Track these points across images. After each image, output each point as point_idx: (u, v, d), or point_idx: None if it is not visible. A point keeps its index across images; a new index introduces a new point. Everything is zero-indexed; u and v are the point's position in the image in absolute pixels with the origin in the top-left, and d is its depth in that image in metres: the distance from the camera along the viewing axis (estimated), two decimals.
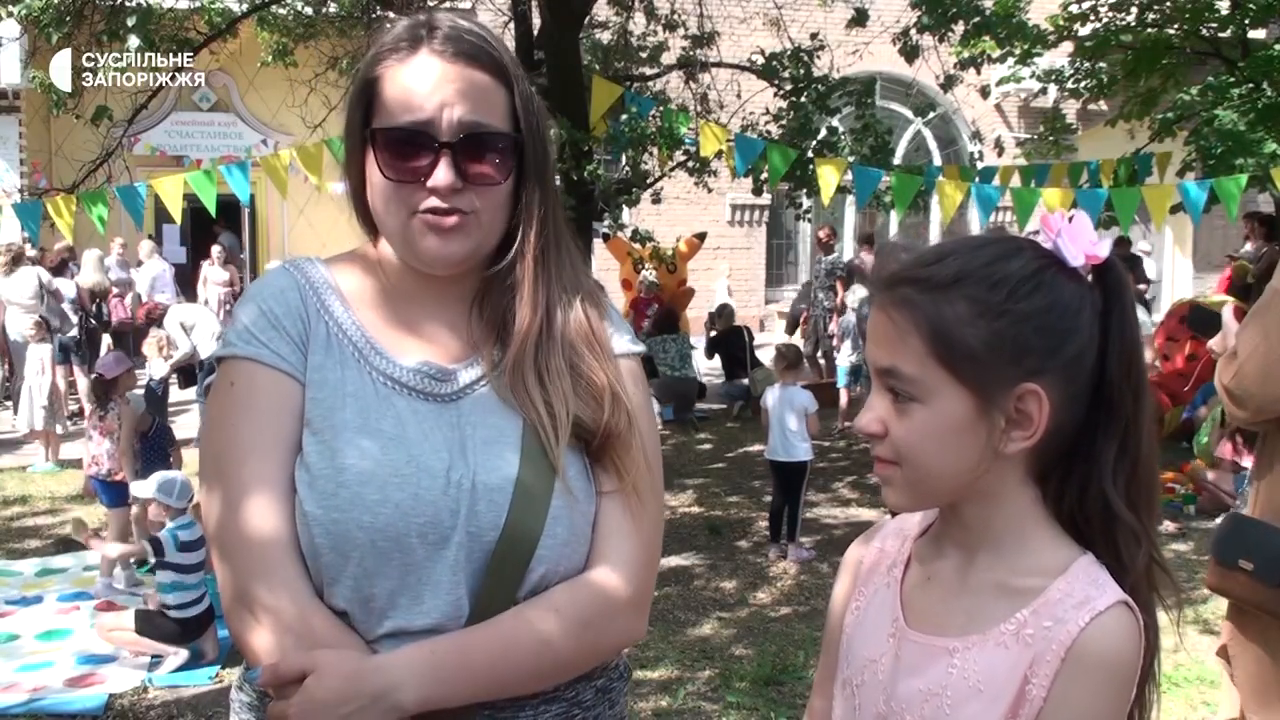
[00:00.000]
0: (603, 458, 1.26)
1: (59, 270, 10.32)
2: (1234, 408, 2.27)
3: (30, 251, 10.17)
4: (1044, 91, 12.02)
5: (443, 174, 1.19)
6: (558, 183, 7.48)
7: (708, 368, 10.96)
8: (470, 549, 1.18)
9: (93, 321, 10.71)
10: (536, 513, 1.19)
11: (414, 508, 1.17)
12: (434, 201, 1.20)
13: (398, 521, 1.16)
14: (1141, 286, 9.72)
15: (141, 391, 8.80)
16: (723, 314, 11.06)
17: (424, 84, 1.20)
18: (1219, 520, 2.59)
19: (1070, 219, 1.06)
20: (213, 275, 12.48)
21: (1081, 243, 1.05)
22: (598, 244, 10.11)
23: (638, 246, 9.09)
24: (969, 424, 1.04)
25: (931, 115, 11.34)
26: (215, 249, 12.72)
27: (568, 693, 1.25)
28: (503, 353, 1.27)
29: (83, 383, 9.89)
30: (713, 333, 11.09)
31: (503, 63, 1.24)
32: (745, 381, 10.16)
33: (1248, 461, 6.15)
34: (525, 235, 1.26)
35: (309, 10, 8.59)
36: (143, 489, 4.85)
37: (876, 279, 1.09)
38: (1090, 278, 1.07)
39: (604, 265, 12.72)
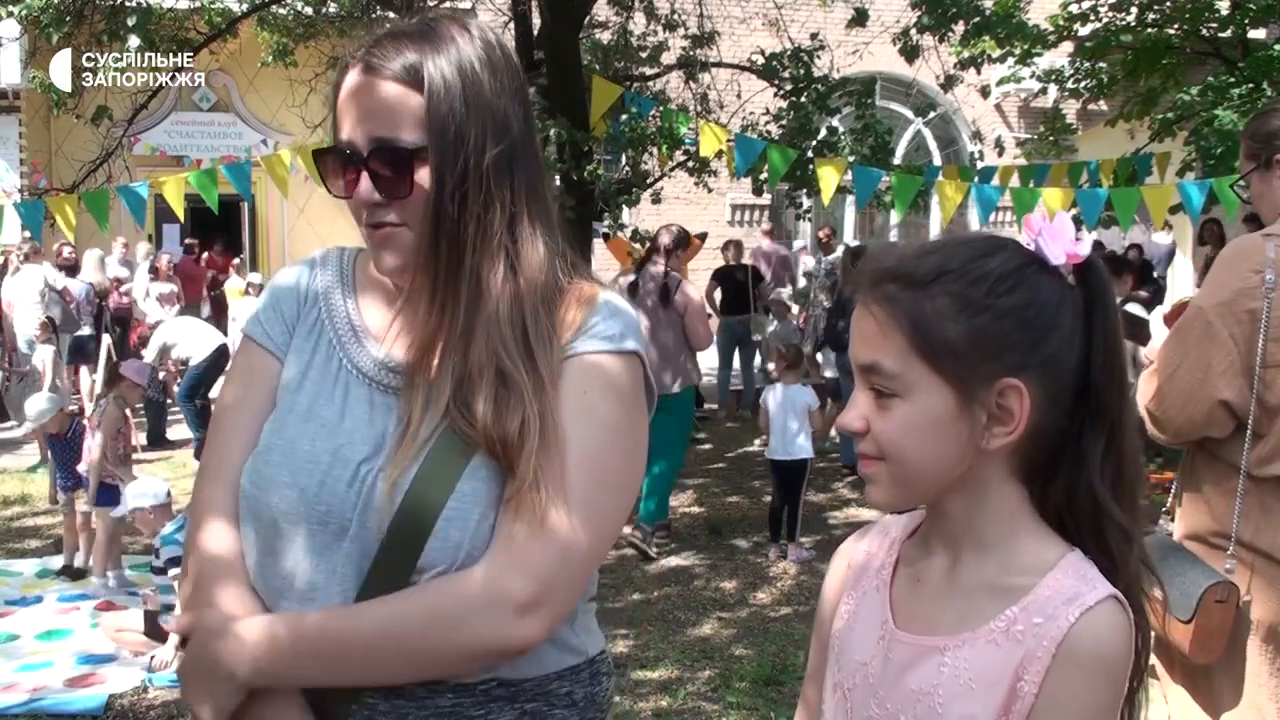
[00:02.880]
0: (520, 463, 1.18)
1: (72, 270, 10.33)
2: (1154, 429, 2.22)
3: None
4: (1044, 91, 12.02)
5: (362, 189, 1.23)
6: (556, 182, 7.43)
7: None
8: (364, 543, 1.19)
9: (113, 323, 10.70)
10: (426, 514, 1.17)
11: (317, 496, 1.20)
12: (366, 216, 1.26)
13: (300, 506, 1.20)
14: (1144, 293, 9.69)
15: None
16: (728, 247, 10.79)
17: (346, 102, 1.25)
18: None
19: (1052, 219, 1.07)
20: (155, 289, 10.62)
21: (1062, 242, 1.06)
22: (598, 244, 10.09)
23: (637, 246, 9.09)
24: (950, 419, 1.05)
25: (931, 115, 11.34)
26: (164, 259, 10.96)
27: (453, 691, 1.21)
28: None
29: (86, 383, 9.91)
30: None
31: (415, 67, 1.21)
32: (744, 320, 10.04)
33: None
34: (422, 237, 1.22)
35: (309, 10, 8.60)
36: (126, 504, 4.75)
37: (863, 278, 1.10)
38: (1073, 278, 1.08)
39: (604, 265, 12.71)
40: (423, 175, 1.22)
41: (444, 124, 1.21)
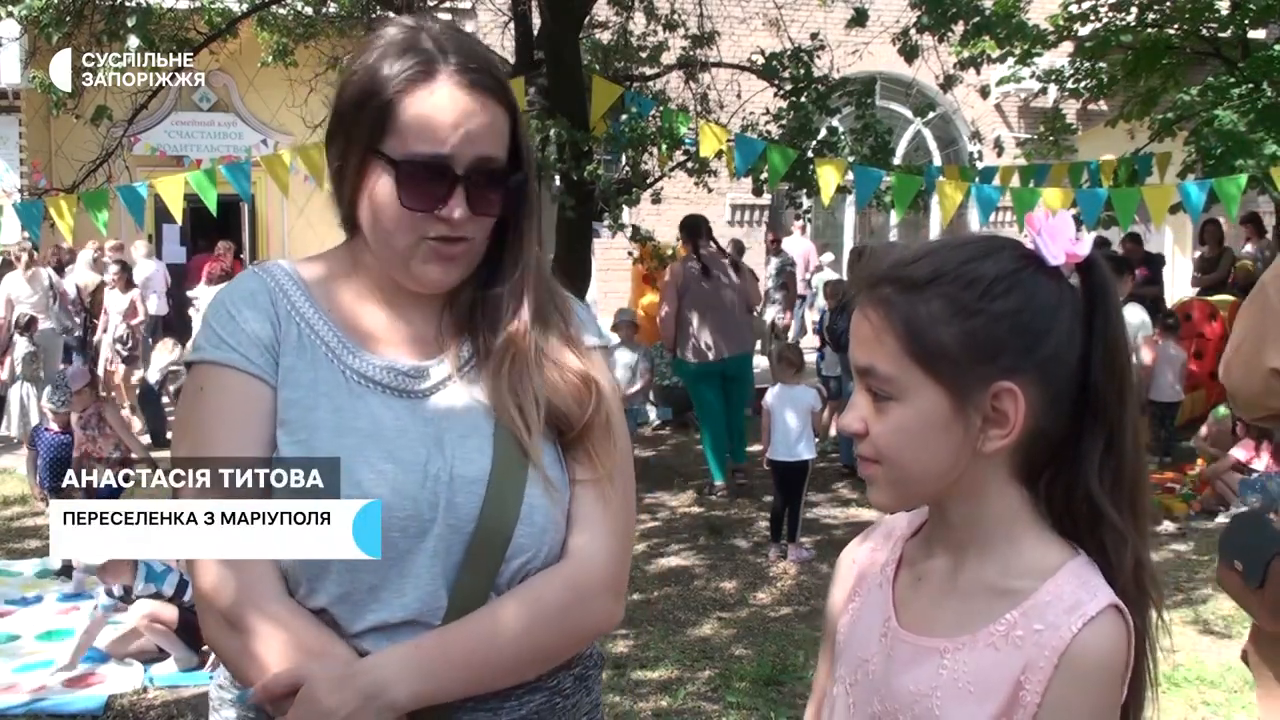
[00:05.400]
0: (577, 447, 1.29)
1: (59, 270, 10.32)
2: (1233, 404, 2.27)
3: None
4: (1044, 91, 12.01)
5: (458, 207, 1.22)
6: (556, 182, 7.45)
7: None
8: (450, 541, 1.21)
9: (95, 321, 10.69)
10: (512, 503, 1.22)
11: (393, 502, 1.19)
12: (445, 230, 1.24)
13: None
14: (1142, 273, 9.66)
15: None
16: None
17: (447, 115, 1.21)
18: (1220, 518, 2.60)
19: (1053, 216, 1.06)
20: (112, 303, 9.88)
21: (1061, 241, 1.05)
22: (598, 244, 10.08)
23: (637, 247, 9.09)
24: (945, 422, 1.05)
25: (931, 115, 11.33)
26: (112, 269, 10.09)
27: (549, 681, 1.27)
28: (471, 349, 1.30)
29: None
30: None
31: (509, 92, 1.27)
32: None
33: (1259, 464, 6.15)
34: (518, 256, 1.31)
35: (309, 10, 8.59)
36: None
37: (859, 280, 1.11)
38: (1074, 278, 1.07)
39: (603, 265, 12.71)
40: (510, 197, 1.28)
41: (527, 142, 1.29)
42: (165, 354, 8.84)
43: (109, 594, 4.55)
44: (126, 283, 9.85)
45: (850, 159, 7.53)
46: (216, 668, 1.31)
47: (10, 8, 6.93)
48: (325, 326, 1.28)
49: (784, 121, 8.32)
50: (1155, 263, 11.02)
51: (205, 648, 4.48)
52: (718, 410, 7.20)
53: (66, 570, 5.77)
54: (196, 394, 1.26)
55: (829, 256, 14.36)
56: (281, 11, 8.63)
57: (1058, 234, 1.05)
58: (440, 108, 1.21)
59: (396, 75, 1.22)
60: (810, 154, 7.62)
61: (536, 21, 7.48)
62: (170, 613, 4.55)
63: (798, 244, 14.17)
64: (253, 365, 1.24)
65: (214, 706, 1.31)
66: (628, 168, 8.40)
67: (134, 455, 5.60)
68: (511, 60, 7.82)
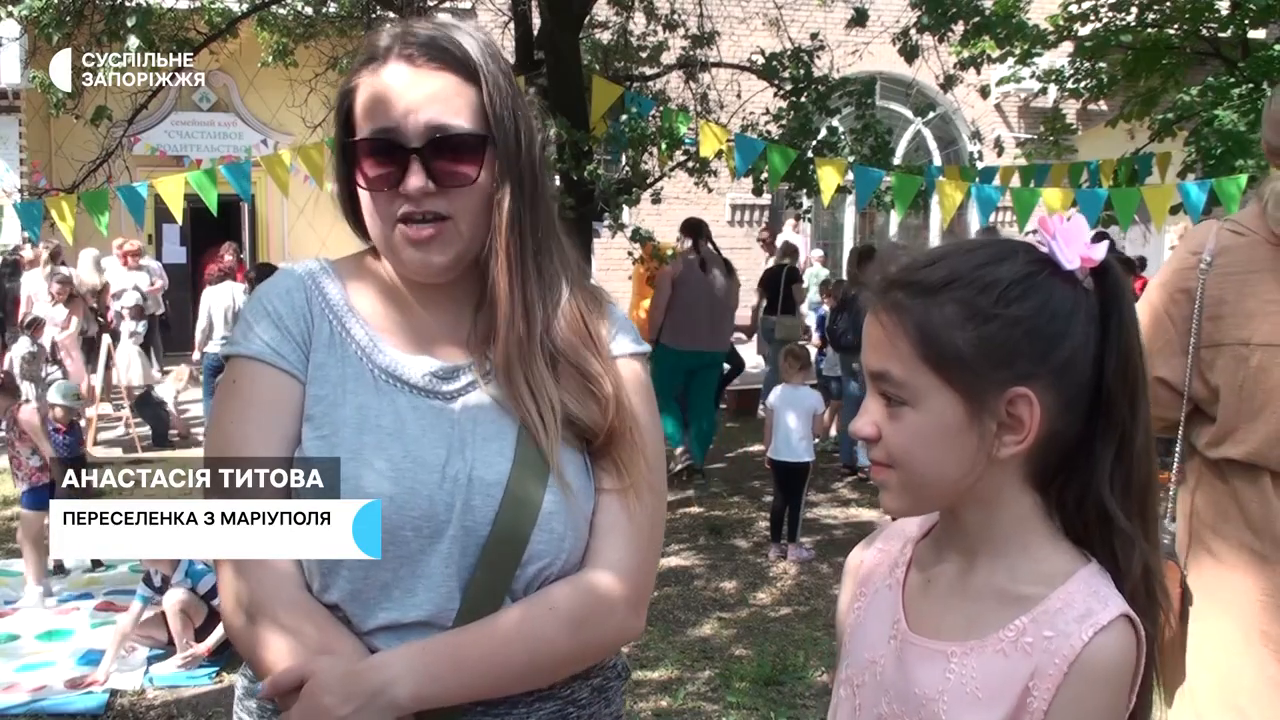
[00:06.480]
0: (604, 457, 1.27)
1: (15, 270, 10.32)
2: None
3: (28, 252, 10.18)
4: (1044, 91, 12.02)
5: (413, 179, 1.20)
6: (556, 182, 7.43)
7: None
8: (465, 543, 1.19)
9: (100, 321, 10.68)
10: (529, 508, 1.21)
11: (409, 501, 1.18)
12: (408, 208, 1.21)
13: (392, 515, 1.18)
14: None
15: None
16: (784, 248, 10.75)
17: (390, 91, 1.21)
18: None
19: (1068, 220, 1.05)
20: (53, 316, 9.44)
21: (1076, 246, 1.04)
22: (598, 244, 10.07)
23: (637, 246, 9.08)
24: (960, 428, 1.04)
25: (931, 115, 11.36)
26: (55, 282, 9.53)
27: (563, 691, 1.26)
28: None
29: (84, 381, 9.91)
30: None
31: (469, 61, 1.24)
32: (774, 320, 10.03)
33: None
34: (497, 232, 1.25)
35: (309, 10, 8.59)
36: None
37: (871, 284, 1.09)
38: (1088, 282, 1.06)
39: (603, 265, 12.71)
40: (479, 165, 1.23)
41: (501, 114, 1.24)
42: (177, 380, 8.92)
43: (148, 584, 4.59)
44: (70, 296, 9.55)
45: (850, 159, 7.54)
46: (215, 664, 1.32)
47: (10, 8, 6.93)
48: (357, 325, 1.29)
49: (784, 121, 8.32)
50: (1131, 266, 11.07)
51: (204, 642, 4.50)
52: (670, 394, 7.38)
53: (59, 568, 5.78)
54: (230, 388, 1.28)
55: (818, 253, 14.35)
56: (281, 11, 8.63)
57: (1073, 238, 1.04)
58: (384, 84, 1.22)
59: (357, 66, 1.26)
60: (810, 154, 7.62)
61: (536, 21, 7.49)
62: (200, 611, 4.57)
63: (791, 240, 14.27)
64: (283, 360, 1.26)
65: (239, 697, 1.32)
66: (628, 168, 8.40)
67: (49, 458, 5.48)
68: (512, 60, 7.83)
